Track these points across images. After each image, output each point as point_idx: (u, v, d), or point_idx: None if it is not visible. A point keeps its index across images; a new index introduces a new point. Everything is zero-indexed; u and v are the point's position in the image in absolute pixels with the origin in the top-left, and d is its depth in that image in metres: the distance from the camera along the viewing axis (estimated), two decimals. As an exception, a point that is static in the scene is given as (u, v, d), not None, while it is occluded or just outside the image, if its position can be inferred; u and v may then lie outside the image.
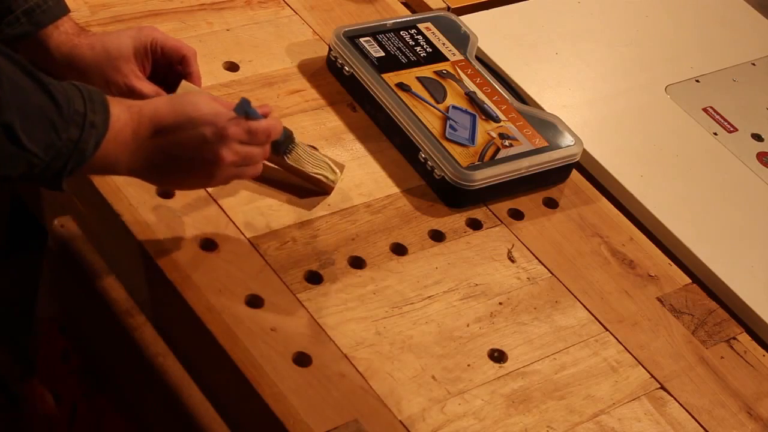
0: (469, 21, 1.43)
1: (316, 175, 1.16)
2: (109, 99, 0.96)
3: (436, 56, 1.34)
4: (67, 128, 0.91)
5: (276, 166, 1.16)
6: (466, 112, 1.28)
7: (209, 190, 1.13)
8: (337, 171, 1.18)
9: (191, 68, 1.14)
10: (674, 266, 1.26)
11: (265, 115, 1.05)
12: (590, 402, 1.09)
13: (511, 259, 1.19)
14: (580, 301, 1.18)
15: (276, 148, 1.12)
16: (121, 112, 0.96)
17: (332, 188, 1.18)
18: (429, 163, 1.22)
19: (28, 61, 0.92)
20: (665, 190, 1.34)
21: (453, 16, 1.42)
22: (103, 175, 1.04)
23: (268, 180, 1.16)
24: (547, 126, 1.29)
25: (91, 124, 0.93)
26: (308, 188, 1.17)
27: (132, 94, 1.10)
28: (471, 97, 1.30)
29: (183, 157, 0.99)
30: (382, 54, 1.31)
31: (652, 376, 1.13)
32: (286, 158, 1.14)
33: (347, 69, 1.30)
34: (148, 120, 0.98)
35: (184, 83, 1.12)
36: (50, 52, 1.10)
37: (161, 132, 0.98)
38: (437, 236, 1.19)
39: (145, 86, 1.11)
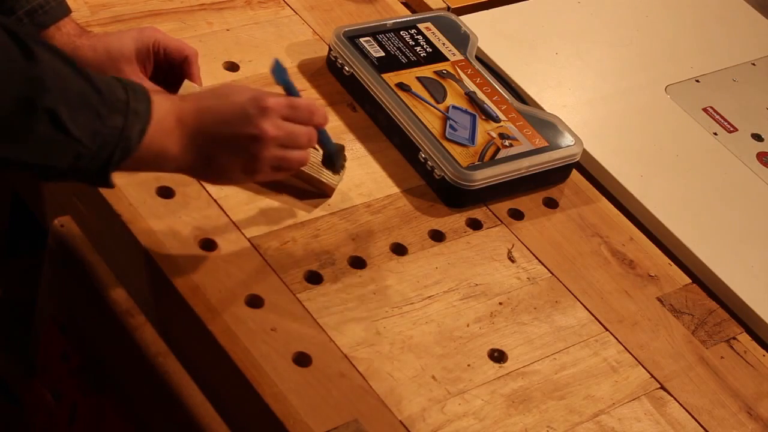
0: (469, 21, 1.43)
1: (317, 177, 1.16)
2: (148, 88, 0.95)
3: (436, 56, 1.34)
4: (111, 115, 0.90)
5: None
6: (466, 112, 1.28)
7: (209, 190, 1.13)
8: (339, 173, 1.18)
9: (193, 68, 1.14)
10: (674, 266, 1.26)
11: None
12: (590, 402, 1.09)
13: (511, 259, 1.19)
14: (580, 301, 1.18)
15: (330, 161, 1.12)
16: (162, 100, 0.95)
17: (333, 190, 1.18)
18: (429, 163, 1.22)
19: None
20: (665, 190, 1.34)
21: (453, 16, 1.42)
22: (151, 170, 1.02)
23: (267, 182, 1.16)
24: (547, 126, 1.29)
25: (134, 111, 0.91)
26: (309, 190, 1.17)
27: None
28: (471, 97, 1.30)
29: (225, 134, 0.97)
30: (382, 54, 1.31)
31: (652, 376, 1.13)
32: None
33: (347, 69, 1.30)
34: (190, 105, 0.97)
35: (186, 83, 1.13)
36: None
37: (202, 111, 0.97)
38: (437, 236, 1.19)
39: (147, 87, 1.11)
